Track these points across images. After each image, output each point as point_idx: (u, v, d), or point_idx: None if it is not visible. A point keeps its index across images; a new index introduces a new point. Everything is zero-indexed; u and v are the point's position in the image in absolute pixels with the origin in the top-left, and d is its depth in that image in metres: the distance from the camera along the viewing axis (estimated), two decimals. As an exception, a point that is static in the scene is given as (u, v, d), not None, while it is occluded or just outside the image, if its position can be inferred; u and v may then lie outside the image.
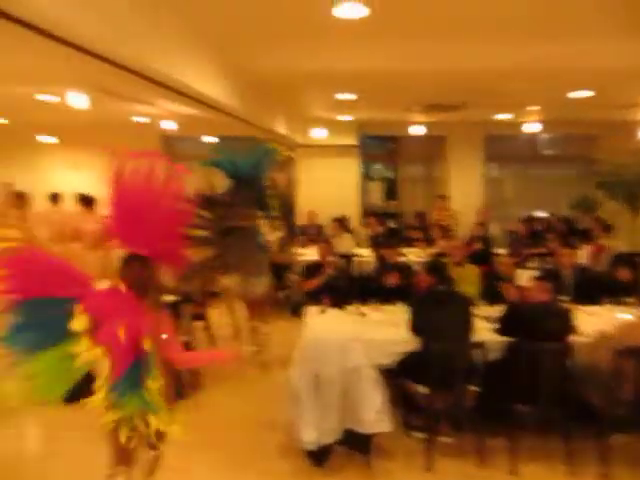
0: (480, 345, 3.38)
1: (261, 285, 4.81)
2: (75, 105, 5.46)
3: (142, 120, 8.46)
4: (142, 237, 2.55)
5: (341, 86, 5.96)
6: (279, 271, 6.72)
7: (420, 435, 3.62)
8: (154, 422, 2.44)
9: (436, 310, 3.51)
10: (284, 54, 4.43)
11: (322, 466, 3.43)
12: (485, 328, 3.71)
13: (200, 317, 5.42)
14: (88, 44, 2.46)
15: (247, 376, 4.84)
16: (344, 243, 7.20)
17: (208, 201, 4.01)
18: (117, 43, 2.48)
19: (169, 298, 4.72)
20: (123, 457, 2.59)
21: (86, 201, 7.25)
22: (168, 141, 10.11)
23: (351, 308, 4.31)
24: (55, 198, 7.80)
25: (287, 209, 9.63)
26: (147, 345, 2.36)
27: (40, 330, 2.37)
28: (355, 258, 6.97)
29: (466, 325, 3.49)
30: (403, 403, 3.82)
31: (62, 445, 3.74)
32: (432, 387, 3.36)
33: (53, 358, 2.35)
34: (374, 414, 3.27)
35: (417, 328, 3.52)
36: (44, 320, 2.38)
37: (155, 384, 2.43)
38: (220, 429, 4.05)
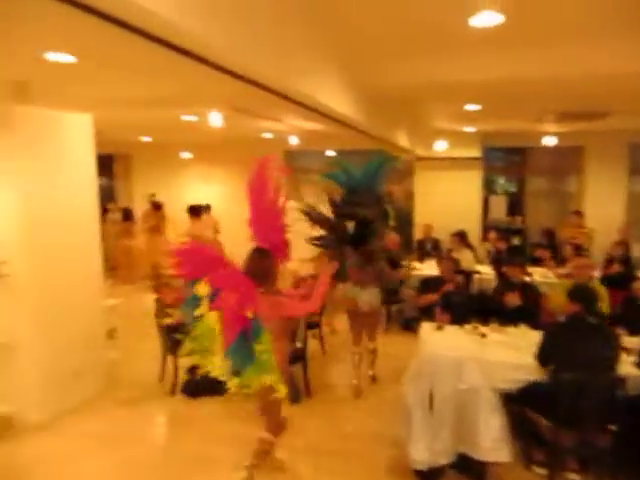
0: (620, 380, 3.03)
1: (374, 297, 4.80)
2: (213, 124, 5.94)
3: (268, 136, 8.97)
4: (264, 233, 3.12)
5: (467, 97, 5.79)
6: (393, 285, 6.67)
7: (542, 470, 3.35)
8: (267, 380, 2.90)
9: (575, 341, 3.18)
10: (411, 67, 4.43)
11: (433, 488, 3.32)
12: (625, 361, 3.32)
13: (314, 325, 5.57)
14: (229, 65, 2.67)
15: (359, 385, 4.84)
16: (464, 259, 6.94)
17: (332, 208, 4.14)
18: (253, 62, 2.64)
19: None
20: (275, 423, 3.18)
21: (194, 211, 8.37)
22: (291, 155, 10.59)
23: (469, 327, 4.13)
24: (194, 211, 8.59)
25: (403, 222, 9.56)
26: (251, 315, 2.78)
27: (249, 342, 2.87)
28: (475, 275, 6.68)
29: (609, 361, 3.15)
30: (524, 434, 3.56)
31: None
32: (559, 422, 3.08)
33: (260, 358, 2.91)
34: (491, 441, 3.09)
35: (548, 357, 3.24)
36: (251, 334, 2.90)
37: (263, 348, 2.86)
38: (329, 437, 4.11)
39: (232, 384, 2.95)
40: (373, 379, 5.06)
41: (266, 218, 3.18)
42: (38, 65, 3.33)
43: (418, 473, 3.30)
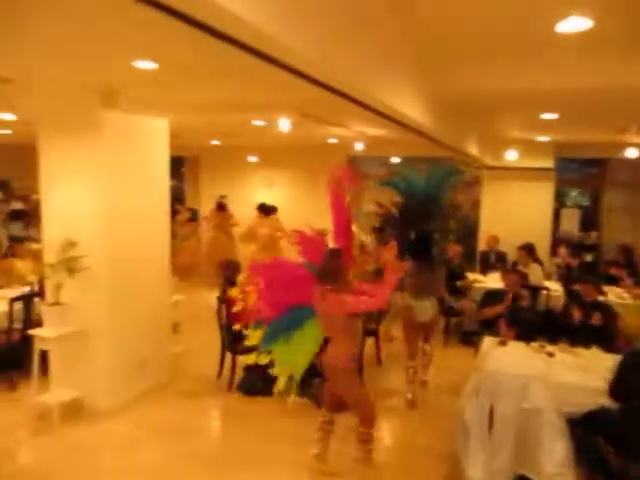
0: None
1: (431, 307, 4.71)
2: (282, 129, 6.07)
3: (333, 141, 9.04)
4: (338, 235, 3.46)
5: (544, 105, 5.57)
6: (453, 295, 6.51)
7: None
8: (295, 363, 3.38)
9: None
10: (488, 74, 4.32)
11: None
12: None
13: (372, 333, 5.54)
14: (311, 71, 2.71)
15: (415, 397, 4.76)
16: (532, 273, 6.65)
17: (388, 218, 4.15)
18: (326, 66, 2.67)
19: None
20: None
21: (265, 210, 8.79)
22: (354, 161, 10.61)
23: (536, 345, 3.96)
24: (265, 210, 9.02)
25: (467, 232, 9.31)
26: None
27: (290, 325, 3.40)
28: (543, 291, 6.39)
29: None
30: (589, 461, 3.36)
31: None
32: (629, 453, 2.88)
33: (299, 341, 3.40)
34: (554, 466, 2.94)
35: (622, 391, 3.00)
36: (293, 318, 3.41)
37: (303, 337, 3.33)
38: (379, 449, 4.07)
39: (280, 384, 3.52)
40: (424, 384, 4.95)
41: (340, 222, 3.51)
42: (126, 73, 3.55)
43: (474, 491, 3.20)
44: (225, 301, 4.86)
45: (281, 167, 10.87)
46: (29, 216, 10.07)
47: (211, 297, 5.06)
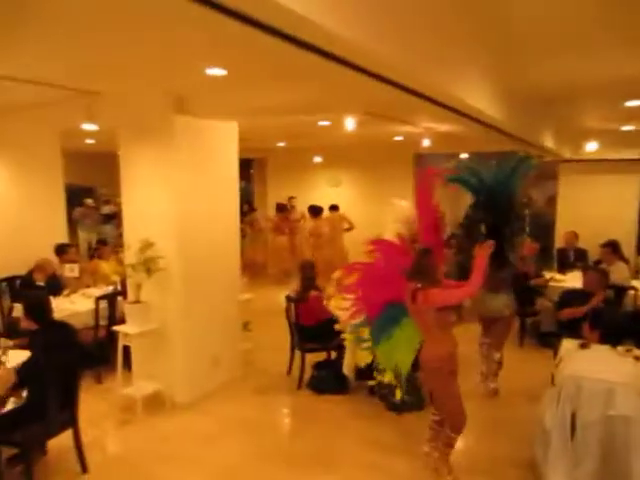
0: None
1: (504, 304, 4.53)
2: (347, 128, 6.07)
3: (399, 139, 8.92)
4: (427, 234, 3.55)
5: (628, 92, 5.19)
6: (528, 295, 6.19)
7: None
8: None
9: None
10: (564, 63, 4.09)
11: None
12: None
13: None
14: (380, 70, 2.70)
15: (486, 406, 4.60)
16: (617, 272, 6.21)
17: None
18: (402, 66, 2.64)
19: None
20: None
21: (314, 211, 9.19)
22: (421, 158, 10.42)
23: (622, 349, 3.69)
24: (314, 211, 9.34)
25: (542, 228, 8.86)
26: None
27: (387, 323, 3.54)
28: (630, 291, 5.94)
29: None
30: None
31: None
32: None
33: (398, 339, 3.55)
34: (646, 479, 2.73)
35: None
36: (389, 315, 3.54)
37: (402, 334, 3.46)
38: (457, 453, 3.96)
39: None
40: (495, 392, 4.78)
41: (429, 221, 3.58)
42: (197, 80, 3.70)
43: (555, 502, 3.04)
44: (302, 300, 4.92)
45: (347, 166, 10.89)
46: (119, 218, 10.84)
47: (280, 296, 5.15)
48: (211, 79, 3.59)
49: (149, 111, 4.49)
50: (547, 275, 6.64)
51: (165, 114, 4.37)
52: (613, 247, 6.61)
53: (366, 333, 3.94)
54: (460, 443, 4.07)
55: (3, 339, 3.80)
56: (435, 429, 3.50)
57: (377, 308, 3.55)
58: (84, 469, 3.49)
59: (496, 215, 4.21)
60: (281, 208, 10.43)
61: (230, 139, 5.05)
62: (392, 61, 2.51)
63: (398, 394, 3.74)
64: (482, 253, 3.18)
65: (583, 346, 3.58)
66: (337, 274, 5.14)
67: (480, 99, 3.76)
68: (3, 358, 3.23)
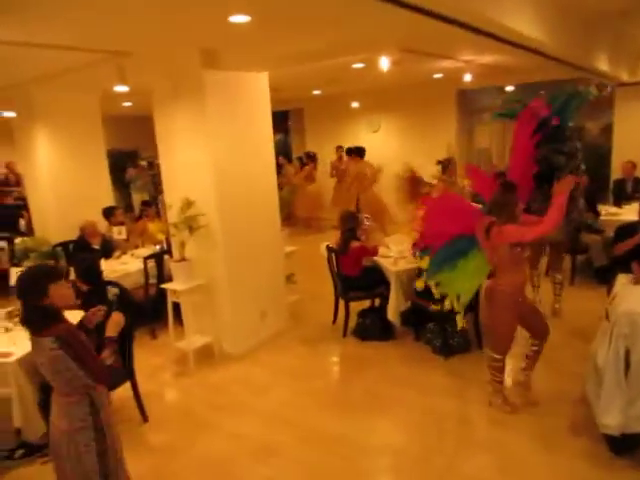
0: None
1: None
2: (382, 68, 5.78)
3: (438, 76, 8.48)
4: (517, 171, 3.52)
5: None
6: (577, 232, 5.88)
7: None
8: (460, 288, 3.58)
9: None
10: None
11: (624, 456, 2.97)
12: None
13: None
14: None
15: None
16: (677, 201, 5.81)
17: None
18: None
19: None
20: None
21: (358, 152, 9.11)
22: (464, 95, 9.91)
23: (679, 282, 3.48)
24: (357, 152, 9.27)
25: (598, 161, 8.32)
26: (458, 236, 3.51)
27: (454, 254, 3.56)
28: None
29: None
30: None
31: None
32: None
33: (463, 270, 3.55)
34: None
35: None
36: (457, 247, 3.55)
37: (467, 265, 3.50)
38: (512, 391, 3.94)
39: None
40: (556, 313, 5.10)
41: (520, 158, 3.53)
42: (221, 29, 3.59)
43: (609, 438, 2.98)
44: (343, 252, 4.89)
45: (385, 110, 10.52)
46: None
47: (322, 247, 5.14)
48: (236, 27, 3.47)
49: (178, 68, 4.43)
50: (602, 209, 6.29)
51: (194, 69, 4.30)
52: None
53: (425, 264, 4.03)
54: (512, 384, 4.06)
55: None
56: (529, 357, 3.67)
57: (444, 239, 3.61)
58: (145, 418, 3.72)
59: (549, 149, 3.98)
60: (311, 157, 10.40)
61: (262, 90, 4.94)
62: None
63: (459, 322, 3.77)
64: (562, 189, 3.14)
65: (636, 281, 3.40)
66: (411, 208, 5.29)
67: (521, 20, 3.47)
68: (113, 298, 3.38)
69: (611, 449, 3.00)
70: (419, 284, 4.36)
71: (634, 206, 5.69)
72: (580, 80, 6.63)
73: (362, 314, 5.03)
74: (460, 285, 3.61)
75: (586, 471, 2.92)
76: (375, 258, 5.00)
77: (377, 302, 5.14)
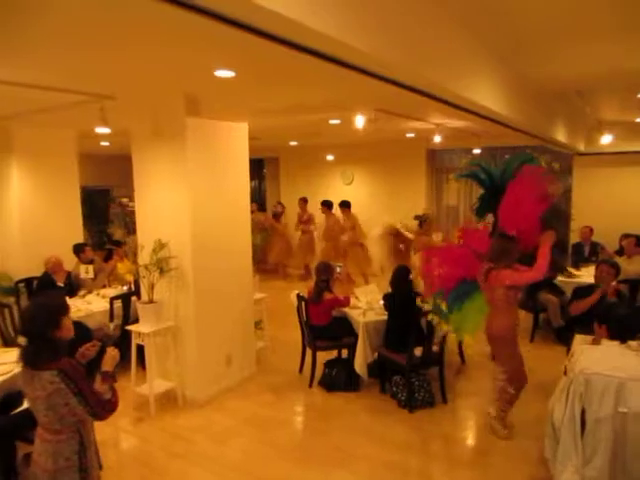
0: None
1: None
2: (357, 126, 6.06)
3: (410, 135, 8.88)
4: (513, 222, 3.78)
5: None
6: (535, 290, 6.10)
7: None
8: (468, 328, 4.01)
9: None
10: (574, 57, 4.06)
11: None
12: None
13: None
14: (383, 72, 2.72)
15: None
16: (637, 264, 6.12)
17: None
18: (406, 66, 2.66)
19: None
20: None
21: (344, 205, 9.19)
22: (433, 154, 10.37)
23: (635, 344, 3.65)
24: (328, 206, 9.50)
25: (558, 223, 8.72)
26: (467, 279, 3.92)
27: (461, 295, 3.99)
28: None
29: None
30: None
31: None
32: None
33: (469, 309, 3.97)
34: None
35: None
36: (462, 290, 3.99)
37: (472, 306, 3.90)
38: (465, 449, 3.96)
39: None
40: None
41: (521, 210, 3.79)
42: (207, 82, 3.75)
43: (566, 499, 3.02)
44: (316, 301, 4.94)
45: (359, 164, 10.88)
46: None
47: (292, 295, 5.18)
48: (220, 81, 3.63)
49: (161, 113, 4.55)
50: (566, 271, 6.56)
51: (177, 116, 4.42)
52: (638, 239, 6.52)
53: (444, 306, 4.29)
54: (475, 439, 4.09)
55: None
56: (500, 391, 3.95)
57: (452, 283, 4.04)
58: (99, 466, 3.56)
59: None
60: (275, 215, 10.80)
61: (241, 139, 5.10)
62: (395, 63, 2.53)
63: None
64: (547, 240, 3.57)
65: (594, 342, 3.55)
66: (416, 258, 5.60)
67: (487, 96, 3.75)
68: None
69: (569, 509, 3.04)
70: (444, 327, 4.55)
71: (590, 269, 5.98)
72: (538, 148, 7.10)
73: (329, 364, 5.02)
74: (466, 325, 4.08)
75: (544, 531, 2.94)
76: (344, 309, 5.06)
77: (344, 353, 5.16)
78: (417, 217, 7.86)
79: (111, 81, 3.93)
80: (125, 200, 11.51)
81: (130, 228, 10.97)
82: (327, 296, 4.94)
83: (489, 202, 4.18)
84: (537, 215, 3.87)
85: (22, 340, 2.24)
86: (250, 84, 3.90)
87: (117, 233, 10.61)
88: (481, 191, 4.38)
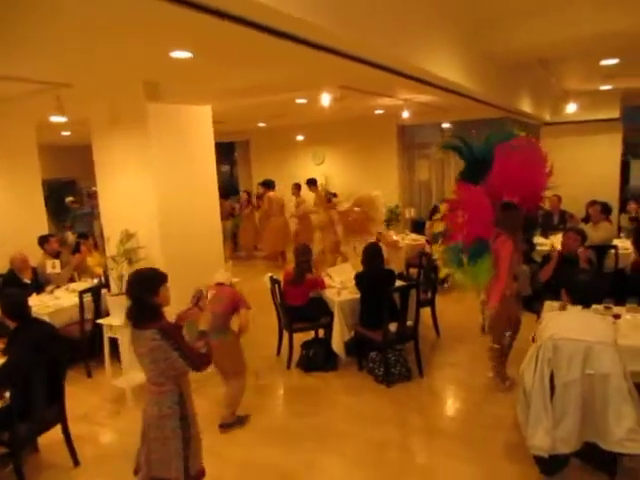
0: None
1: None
2: (324, 104, 5.98)
3: (379, 112, 8.84)
4: (517, 191, 3.95)
5: (603, 51, 5.15)
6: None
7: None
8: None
9: None
10: (537, 25, 4.05)
11: (554, 476, 3.12)
12: None
13: (426, 304, 5.41)
14: (341, 47, 2.67)
15: (478, 367, 4.67)
16: (602, 231, 6.27)
17: None
18: (367, 41, 2.61)
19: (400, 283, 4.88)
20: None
21: (311, 182, 9.04)
22: (404, 130, 10.36)
23: (600, 307, 3.75)
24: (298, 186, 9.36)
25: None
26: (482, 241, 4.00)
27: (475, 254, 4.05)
28: (611, 250, 6.01)
29: None
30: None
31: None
32: None
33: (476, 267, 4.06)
34: (624, 432, 2.79)
35: None
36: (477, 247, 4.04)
37: (479, 266, 4.01)
38: (444, 419, 4.04)
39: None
40: (486, 330, 5.17)
41: (523, 175, 3.91)
42: (164, 64, 3.63)
43: (538, 460, 3.11)
44: (298, 283, 4.91)
45: (330, 143, 10.82)
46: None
47: (264, 277, 5.15)
48: (178, 63, 3.52)
49: (120, 100, 4.42)
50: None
51: (137, 102, 4.30)
52: (603, 206, 6.66)
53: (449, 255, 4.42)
54: (453, 407, 4.17)
55: None
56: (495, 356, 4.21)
57: (470, 238, 4.07)
58: (75, 462, 3.52)
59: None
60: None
61: (205, 123, 4.99)
62: (356, 39, 2.49)
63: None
64: (503, 251, 3.90)
65: (562, 308, 3.63)
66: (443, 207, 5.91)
67: (449, 69, 3.73)
68: None
69: (541, 471, 3.14)
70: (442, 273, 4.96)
71: (559, 237, 6.10)
72: (506, 119, 7.15)
73: (306, 345, 5.04)
74: (471, 281, 4.20)
75: (519, 493, 3.04)
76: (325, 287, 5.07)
77: (321, 333, 5.17)
78: (327, 194, 8.29)
79: (66, 68, 3.78)
80: (94, 190, 11.19)
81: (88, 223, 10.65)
82: (309, 277, 4.95)
83: (470, 174, 4.18)
84: (542, 177, 4.13)
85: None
86: (209, 65, 3.80)
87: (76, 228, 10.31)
88: (451, 166, 4.43)
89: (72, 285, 5.55)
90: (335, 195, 8.18)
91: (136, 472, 2.75)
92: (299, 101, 6.65)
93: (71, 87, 4.21)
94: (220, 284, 3.97)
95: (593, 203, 6.78)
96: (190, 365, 2.52)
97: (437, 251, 5.46)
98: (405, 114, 7.93)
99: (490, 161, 4.12)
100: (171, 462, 2.55)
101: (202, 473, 2.77)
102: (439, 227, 6.62)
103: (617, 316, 3.68)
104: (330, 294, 4.93)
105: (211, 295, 3.72)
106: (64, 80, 4.07)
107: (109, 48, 3.20)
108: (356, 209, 7.40)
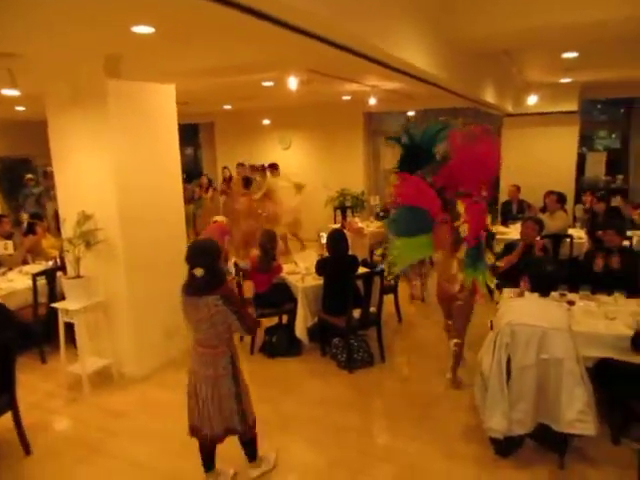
0: None
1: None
2: (290, 87, 5.89)
3: (346, 98, 8.80)
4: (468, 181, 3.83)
5: (565, 44, 5.26)
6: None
7: (636, 445, 3.13)
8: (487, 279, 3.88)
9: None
10: (501, 14, 4.09)
11: (508, 457, 3.23)
12: None
13: (389, 291, 5.47)
14: (310, 27, 2.62)
15: (434, 352, 4.77)
16: (558, 220, 6.47)
17: None
18: (332, 21, 2.57)
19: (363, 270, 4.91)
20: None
21: (273, 167, 8.97)
22: (371, 117, 10.36)
23: (556, 294, 3.88)
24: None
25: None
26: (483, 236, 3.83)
27: (409, 225, 3.76)
28: (566, 239, 6.23)
29: None
30: (616, 408, 3.34)
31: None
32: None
33: (412, 242, 3.77)
34: (575, 413, 2.91)
35: None
36: (412, 220, 3.74)
37: (420, 239, 3.76)
38: (404, 402, 4.11)
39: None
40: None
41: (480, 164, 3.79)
42: (124, 39, 3.47)
43: (494, 441, 3.23)
44: (266, 270, 4.91)
45: (296, 127, 10.71)
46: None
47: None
48: (139, 38, 3.38)
49: (78, 75, 4.21)
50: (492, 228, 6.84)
51: (96, 78, 4.11)
52: (559, 196, 6.87)
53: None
54: (411, 390, 4.25)
55: None
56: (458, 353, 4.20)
57: (416, 200, 3.80)
58: (27, 451, 3.41)
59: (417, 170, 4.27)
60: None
61: (168, 102, 4.82)
62: (320, 16, 2.44)
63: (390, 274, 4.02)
64: (442, 234, 3.68)
65: (519, 295, 3.74)
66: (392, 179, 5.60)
67: (415, 54, 3.72)
68: None
69: (496, 452, 3.26)
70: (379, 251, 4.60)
71: (519, 226, 6.26)
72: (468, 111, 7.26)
73: (269, 331, 5.02)
74: (407, 253, 3.90)
75: (474, 475, 3.13)
76: (283, 275, 5.04)
77: (284, 319, 5.16)
78: (244, 178, 8.47)
79: (14, 37, 3.55)
80: (50, 169, 10.73)
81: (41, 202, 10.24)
82: (275, 263, 4.94)
83: (409, 163, 4.18)
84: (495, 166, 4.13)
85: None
86: (172, 41, 3.67)
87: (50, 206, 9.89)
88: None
89: (25, 267, 5.34)
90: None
91: (193, 432, 2.94)
92: (266, 84, 6.53)
93: (20, 57, 3.97)
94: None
95: (550, 193, 6.98)
96: (245, 328, 2.78)
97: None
98: (372, 101, 7.92)
99: (429, 151, 4.17)
100: (232, 416, 2.84)
101: (255, 421, 3.07)
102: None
103: (571, 303, 3.82)
104: (294, 280, 4.92)
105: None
106: (12, 49, 3.82)
107: (63, 17, 3.03)
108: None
